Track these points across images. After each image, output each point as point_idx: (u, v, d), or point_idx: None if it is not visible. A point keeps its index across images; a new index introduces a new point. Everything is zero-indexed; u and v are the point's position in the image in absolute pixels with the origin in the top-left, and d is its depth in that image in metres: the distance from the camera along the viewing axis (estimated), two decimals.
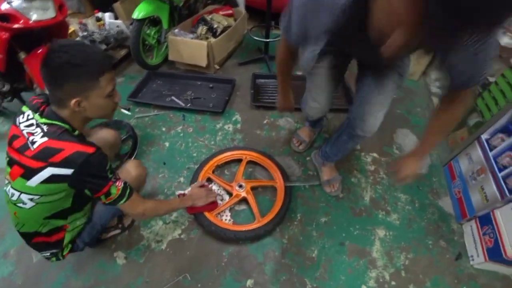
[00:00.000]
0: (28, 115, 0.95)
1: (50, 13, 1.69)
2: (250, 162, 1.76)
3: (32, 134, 0.90)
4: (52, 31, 1.84)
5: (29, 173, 0.89)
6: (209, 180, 1.65)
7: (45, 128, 0.90)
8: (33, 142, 0.88)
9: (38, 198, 0.95)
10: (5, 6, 1.56)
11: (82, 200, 1.11)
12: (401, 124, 2.14)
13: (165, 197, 1.63)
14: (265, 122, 2.06)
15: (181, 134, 1.96)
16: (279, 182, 1.62)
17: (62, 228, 1.12)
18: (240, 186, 1.57)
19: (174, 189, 1.66)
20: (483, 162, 1.48)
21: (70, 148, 0.87)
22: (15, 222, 1.07)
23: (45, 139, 0.88)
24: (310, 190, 1.69)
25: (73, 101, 0.88)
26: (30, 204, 0.96)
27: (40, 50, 1.76)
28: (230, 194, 1.59)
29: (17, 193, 0.96)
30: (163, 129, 2.00)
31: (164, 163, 1.77)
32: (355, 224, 1.54)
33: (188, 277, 1.33)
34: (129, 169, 1.30)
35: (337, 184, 1.65)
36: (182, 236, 1.48)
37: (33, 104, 0.97)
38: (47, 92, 1.72)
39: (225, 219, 1.50)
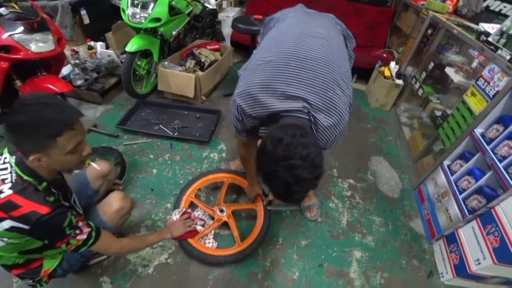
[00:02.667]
0: (5, 158, 0.96)
1: (49, 46, 1.77)
2: (233, 186, 1.83)
3: (3, 181, 0.91)
4: (49, 61, 1.93)
5: None
6: (193, 204, 1.71)
7: (14, 178, 0.92)
8: (1, 192, 0.89)
9: (7, 239, 0.97)
10: (5, 37, 1.62)
11: None
12: (374, 152, 2.31)
13: (153, 222, 1.67)
14: None
15: (169, 162, 2.03)
16: (259, 206, 1.70)
17: (39, 258, 1.14)
18: (222, 211, 1.63)
19: (161, 214, 1.70)
20: (446, 186, 1.64)
21: (28, 206, 0.88)
22: None
23: (10, 192, 0.89)
24: (291, 215, 1.78)
25: (31, 157, 0.87)
26: (1, 243, 0.98)
27: (36, 79, 1.83)
28: (213, 218, 1.65)
29: None
30: (151, 156, 2.07)
31: (152, 190, 1.83)
32: (333, 246, 1.63)
33: None
34: (111, 202, 1.28)
35: (315, 209, 1.76)
36: (168, 261, 1.51)
37: (12, 146, 0.98)
38: None
39: (208, 243, 1.56)
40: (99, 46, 2.97)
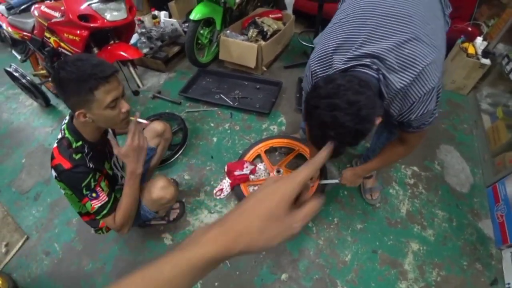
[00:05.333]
0: (65, 119, 1.11)
1: (122, 14, 1.86)
2: (301, 156, 1.87)
3: (57, 138, 1.08)
4: (121, 29, 2.04)
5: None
6: (259, 158, 1.87)
7: (61, 135, 1.07)
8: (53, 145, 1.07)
9: (62, 190, 1.13)
10: (85, 7, 1.73)
11: (111, 182, 1.20)
12: (445, 140, 2.11)
13: (211, 188, 1.77)
14: None
15: (228, 131, 2.10)
16: (314, 183, 1.67)
17: None
18: (278, 171, 1.74)
19: (220, 181, 1.80)
20: None
21: (58, 159, 1.02)
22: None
23: (55, 145, 1.05)
24: (349, 196, 1.75)
25: (77, 112, 0.96)
26: (62, 192, 1.15)
27: (110, 47, 1.96)
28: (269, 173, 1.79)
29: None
30: (212, 124, 2.15)
31: (212, 157, 1.92)
32: (390, 234, 1.59)
33: (228, 264, 1.46)
34: (151, 189, 1.25)
35: (377, 193, 1.70)
36: None
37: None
38: None
39: None
40: (162, 15, 3.05)
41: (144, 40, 2.71)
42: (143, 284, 0.30)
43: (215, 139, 2.04)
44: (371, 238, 1.57)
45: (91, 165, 1.06)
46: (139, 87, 2.07)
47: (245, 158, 1.80)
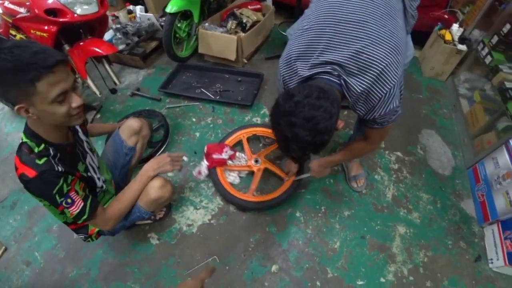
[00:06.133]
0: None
1: (93, 8, 1.76)
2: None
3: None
4: (93, 24, 1.94)
5: None
6: (240, 144, 1.86)
7: (19, 143, 0.94)
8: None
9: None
10: (52, 1, 1.62)
11: (90, 190, 1.12)
12: (426, 125, 2.15)
13: (196, 184, 1.73)
14: None
15: (211, 125, 2.05)
16: (289, 179, 1.65)
17: None
18: (257, 161, 1.72)
19: (198, 163, 1.79)
20: (510, 167, 1.49)
21: (20, 168, 0.89)
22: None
23: (15, 155, 0.92)
24: (335, 184, 1.75)
25: (17, 108, 0.82)
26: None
27: (82, 43, 1.86)
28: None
29: None
30: (194, 119, 2.10)
31: (195, 152, 1.87)
32: (377, 219, 1.60)
33: (217, 260, 1.43)
34: (149, 190, 1.20)
35: (362, 180, 1.71)
36: (212, 222, 1.58)
37: None
38: (89, 81, 1.85)
39: (232, 178, 1.72)
40: (138, 9, 2.94)
41: (119, 36, 2.60)
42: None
43: (197, 134, 1.99)
44: (359, 224, 1.57)
45: (60, 169, 0.92)
46: (116, 84, 2.00)
47: (226, 142, 1.78)
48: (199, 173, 1.70)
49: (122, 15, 2.85)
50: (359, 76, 0.92)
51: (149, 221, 1.56)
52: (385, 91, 0.92)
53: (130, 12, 2.90)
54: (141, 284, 1.39)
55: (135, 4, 3.00)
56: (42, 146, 0.92)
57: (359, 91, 0.93)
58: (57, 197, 0.92)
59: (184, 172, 1.78)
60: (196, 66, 2.55)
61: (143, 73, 2.56)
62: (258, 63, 2.61)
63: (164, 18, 2.91)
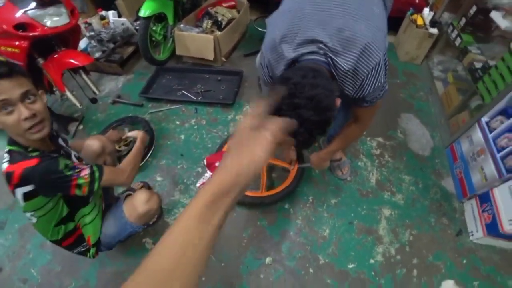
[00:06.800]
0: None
1: (64, 19, 1.73)
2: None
3: (4, 163, 0.97)
4: (66, 35, 1.90)
5: (15, 196, 0.99)
6: None
7: (6, 154, 0.98)
8: (1, 170, 0.97)
9: (35, 213, 1.04)
10: (20, 15, 1.59)
11: (77, 201, 1.15)
12: (404, 109, 2.22)
13: (186, 186, 1.74)
14: None
15: (195, 127, 2.06)
16: (294, 168, 1.70)
17: (76, 229, 1.20)
18: None
19: (193, 178, 1.78)
20: (483, 144, 1.57)
21: (19, 167, 0.93)
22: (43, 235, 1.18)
23: (6, 165, 0.95)
24: (320, 174, 1.80)
25: None
26: (34, 219, 1.07)
27: (57, 55, 1.83)
28: None
29: (24, 213, 1.07)
30: (177, 122, 2.10)
31: (182, 155, 1.88)
32: (363, 204, 1.66)
33: (213, 258, 1.46)
34: (136, 205, 1.25)
35: (346, 168, 1.76)
36: None
37: None
38: (67, 94, 1.83)
39: None
40: (111, 15, 2.88)
41: (94, 44, 2.56)
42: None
43: (182, 137, 2.00)
44: (346, 211, 1.63)
45: (53, 155, 1.00)
46: (95, 94, 1.97)
47: (223, 149, 1.78)
48: (204, 184, 1.67)
49: (95, 21, 2.78)
50: (344, 54, 0.91)
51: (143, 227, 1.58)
52: (370, 66, 0.92)
53: (103, 18, 2.83)
54: None
55: (107, 9, 2.94)
56: (31, 148, 0.99)
57: (346, 68, 0.92)
58: (66, 171, 0.98)
59: (172, 175, 1.79)
60: (175, 68, 2.54)
61: (123, 80, 2.53)
62: (237, 61, 2.62)
63: (138, 22, 2.88)
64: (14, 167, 0.93)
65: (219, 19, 2.55)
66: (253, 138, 0.41)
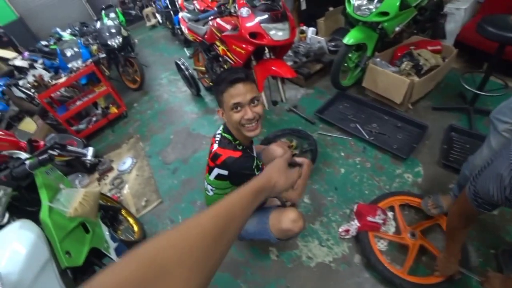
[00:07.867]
0: (220, 128, 1.30)
1: (285, 35, 1.95)
2: (438, 228, 1.59)
3: (216, 141, 1.24)
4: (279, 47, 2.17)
5: (209, 170, 1.26)
6: (391, 208, 1.69)
7: (219, 137, 1.24)
8: (213, 148, 1.23)
9: (215, 189, 1.30)
10: (256, 25, 1.87)
11: None
12: None
13: (328, 220, 1.73)
14: (451, 186, 1.75)
15: (358, 166, 2.00)
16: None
17: None
18: (413, 235, 1.50)
19: (338, 217, 1.75)
20: None
21: (225, 154, 1.17)
22: (206, 203, 1.51)
23: (216, 147, 1.21)
24: None
25: (218, 110, 1.23)
26: (211, 193, 1.33)
27: (266, 62, 2.10)
28: (398, 231, 1.60)
29: (205, 184, 1.36)
30: (342, 154, 2.09)
31: (336, 188, 1.87)
32: None
33: None
34: (282, 219, 1.31)
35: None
36: (331, 265, 1.55)
37: None
38: (263, 94, 2.11)
39: (380, 245, 1.57)
40: (310, 31, 3.12)
41: (290, 54, 2.85)
42: (225, 203, 0.47)
43: (342, 170, 1.98)
44: None
45: (253, 155, 1.25)
46: (282, 101, 2.19)
47: (379, 205, 1.66)
48: (347, 231, 1.62)
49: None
50: None
51: None
52: None
53: (302, 32, 3.11)
54: (248, 287, 1.54)
55: (308, 25, 3.21)
56: (237, 141, 1.23)
57: None
58: (255, 170, 1.17)
59: (320, 204, 1.81)
60: (356, 98, 2.52)
61: (302, 92, 2.72)
62: (423, 112, 2.35)
63: (333, 43, 3.02)
64: (222, 151, 1.19)
65: (421, 63, 2.36)
66: (285, 171, 0.70)
